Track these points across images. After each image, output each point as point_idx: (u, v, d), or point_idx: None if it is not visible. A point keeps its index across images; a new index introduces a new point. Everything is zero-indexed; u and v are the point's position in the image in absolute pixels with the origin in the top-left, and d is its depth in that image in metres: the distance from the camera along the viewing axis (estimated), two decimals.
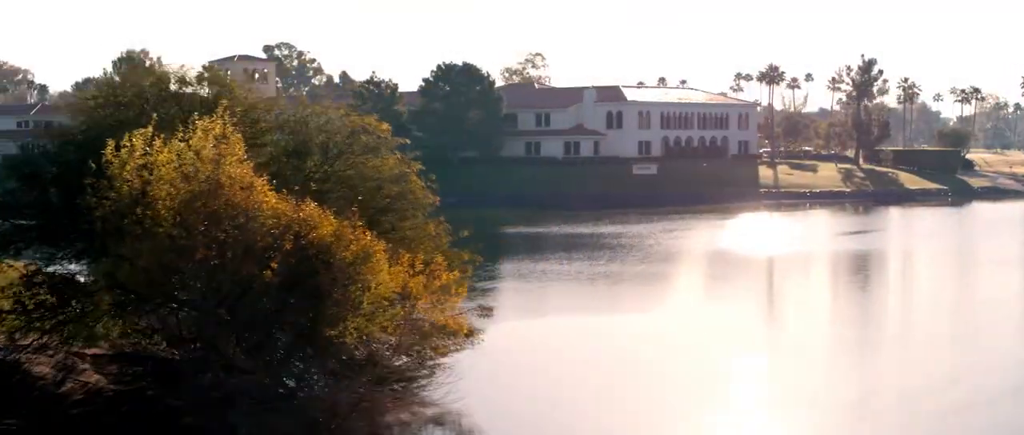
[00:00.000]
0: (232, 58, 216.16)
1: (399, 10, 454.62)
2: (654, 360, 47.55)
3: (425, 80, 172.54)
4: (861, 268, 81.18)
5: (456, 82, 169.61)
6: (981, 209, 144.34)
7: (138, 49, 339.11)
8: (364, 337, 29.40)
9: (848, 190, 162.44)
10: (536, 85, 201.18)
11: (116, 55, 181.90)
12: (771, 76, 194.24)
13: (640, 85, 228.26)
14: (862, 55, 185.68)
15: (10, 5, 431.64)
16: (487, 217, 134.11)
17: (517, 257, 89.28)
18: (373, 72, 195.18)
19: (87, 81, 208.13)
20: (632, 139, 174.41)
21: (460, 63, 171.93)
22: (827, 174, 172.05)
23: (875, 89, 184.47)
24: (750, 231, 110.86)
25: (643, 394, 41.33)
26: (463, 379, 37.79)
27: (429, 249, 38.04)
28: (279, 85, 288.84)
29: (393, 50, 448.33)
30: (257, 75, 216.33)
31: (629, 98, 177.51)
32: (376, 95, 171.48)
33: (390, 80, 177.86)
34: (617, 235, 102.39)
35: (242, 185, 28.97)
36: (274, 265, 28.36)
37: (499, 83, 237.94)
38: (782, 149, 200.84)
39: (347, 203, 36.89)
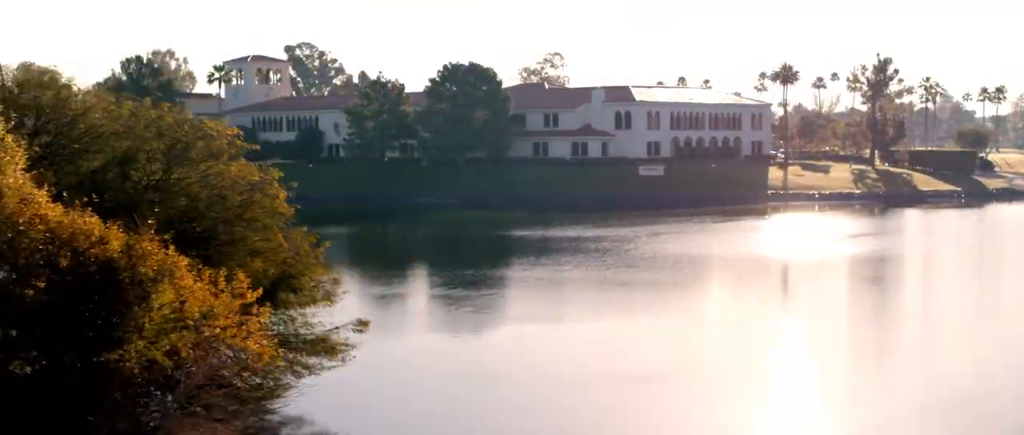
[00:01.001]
0: (246, 58, 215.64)
1: (419, 10, 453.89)
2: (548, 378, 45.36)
3: (431, 80, 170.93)
4: (827, 275, 78.88)
5: (462, 82, 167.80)
6: (991, 211, 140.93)
7: (164, 49, 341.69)
8: (147, 361, 27.63)
9: (858, 192, 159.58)
10: (546, 85, 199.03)
11: (134, 55, 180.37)
12: (785, 76, 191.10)
13: (660, 85, 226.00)
14: (877, 54, 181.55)
15: (38, 5, 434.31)
16: (484, 219, 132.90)
17: (487, 261, 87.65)
18: (379, 72, 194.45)
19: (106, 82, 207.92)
20: (641, 140, 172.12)
21: (466, 63, 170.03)
22: (839, 175, 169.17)
23: (892, 89, 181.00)
24: (740, 234, 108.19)
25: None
26: (290, 402, 36.30)
27: (277, 262, 36.22)
28: (300, 84, 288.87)
29: (413, 50, 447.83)
30: (274, 75, 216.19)
31: (638, 98, 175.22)
32: (382, 96, 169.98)
33: (396, 80, 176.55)
34: (600, 239, 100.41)
35: (21, 197, 27.32)
36: (41, 284, 26.72)
37: (517, 83, 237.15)
38: (797, 150, 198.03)
39: (182, 214, 35.21)
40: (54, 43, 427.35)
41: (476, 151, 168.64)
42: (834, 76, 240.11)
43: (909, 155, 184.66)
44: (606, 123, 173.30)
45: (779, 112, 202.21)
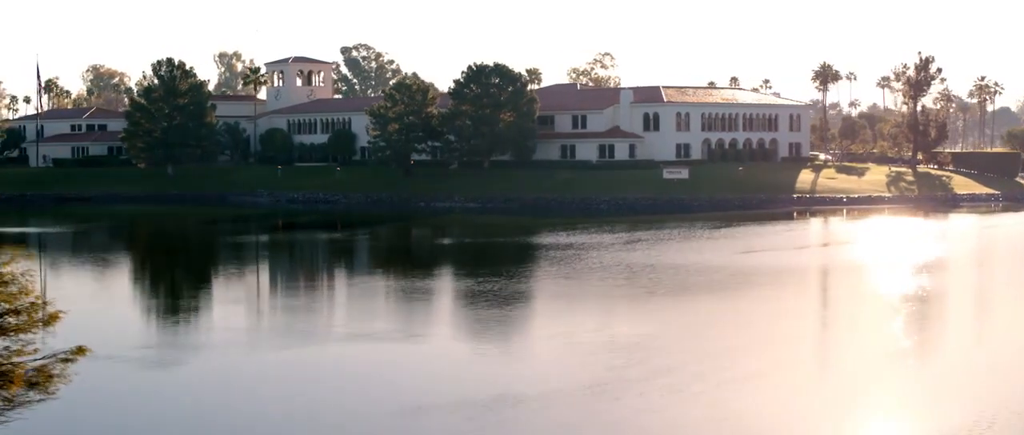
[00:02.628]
0: (287, 60, 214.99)
1: (475, 10, 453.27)
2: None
3: (455, 82, 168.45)
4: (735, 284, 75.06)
5: (487, 83, 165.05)
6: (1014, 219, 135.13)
7: (231, 51, 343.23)
8: None
9: (888, 195, 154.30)
10: (578, 86, 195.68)
11: (165, 57, 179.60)
12: (825, 75, 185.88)
13: (711, 85, 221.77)
14: (919, 53, 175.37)
15: (103, 7, 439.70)
16: (493, 225, 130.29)
17: (444, 269, 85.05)
18: (407, 74, 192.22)
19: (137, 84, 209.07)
20: (669, 142, 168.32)
21: (491, 63, 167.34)
22: (874, 178, 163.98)
23: (934, 89, 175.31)
24: (725, 241, 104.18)
25: None
26: None
27: None
28: (357, 86, 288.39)
29: (468, 50, 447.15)
30: (317, 76, 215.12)
31: (666, 99, 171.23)
32: (407, 97, 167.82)
33: (422, 82, 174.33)
34: (577, 246, 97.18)
35: None
36: None
37: (568, 83, 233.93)
38: (837, 151, 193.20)
39: None
40: (117, 47, 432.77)
41: (502, 154, 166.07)
42: (886, 79, 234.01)
43: (953, 157, 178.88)
44: (634, 125, 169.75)
45: (830, 112, 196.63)
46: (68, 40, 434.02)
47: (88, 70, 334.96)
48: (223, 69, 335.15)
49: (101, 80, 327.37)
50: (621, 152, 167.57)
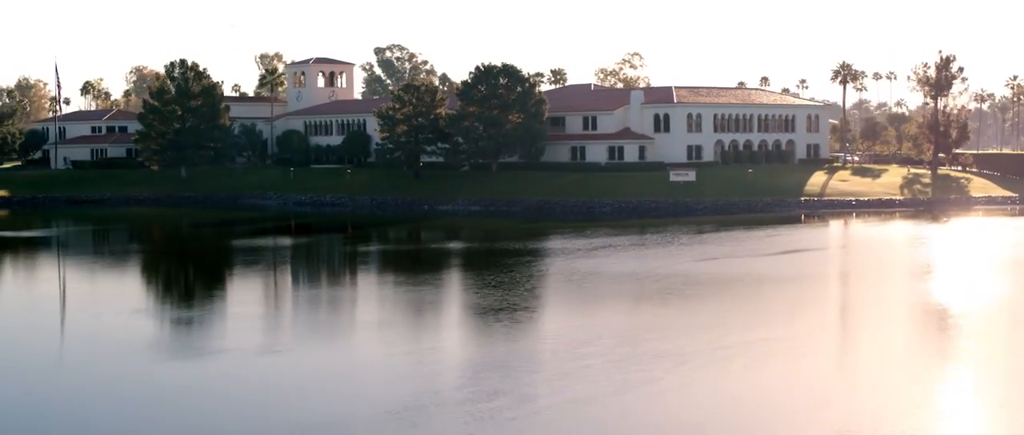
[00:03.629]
0: (308, 61, 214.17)
1: (506, 10, 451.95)
2: None
3: (463, 83, 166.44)
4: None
5: (494, 84, 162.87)
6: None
7: (272, 53, 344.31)
8: None
9: (900, 198, 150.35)
10: (592, 87, 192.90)
11: (178, 59, 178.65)
12: (844, 74, 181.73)
13: (741, 86, 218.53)
14: (939, 51, 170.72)
15: (148, 8, 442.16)
16: (481, 228, 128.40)
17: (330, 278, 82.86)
18: (415, 76, 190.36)
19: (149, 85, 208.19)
20: (680, 143, 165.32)
21: (500, 64, 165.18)
22: (888, 180, 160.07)
23: (955, 88, 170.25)
24: (695, 247, 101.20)
25: None
26: None
27: None
28: (391, 87, 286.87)
29: (502, 51, 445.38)
30: (339, 77, 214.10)
31: (677, 99, 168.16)
32: (415, 98, 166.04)
33: (430, 83, 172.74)
34: (538, 252, 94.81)
35: None
36: None
37: (595, 83, 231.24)
38: (859, 153, 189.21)
39: None
40: (159, 49, 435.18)
41: (510, 156, 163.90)
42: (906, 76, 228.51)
43: (974, 158, 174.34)
44: (645, 126, 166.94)
45: (853, 113, 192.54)
46: (115, 41, 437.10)
47: (131, 71, 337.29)
48: (264, 70, 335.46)
49: (144, 81, 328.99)
50: (630, 154, 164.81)
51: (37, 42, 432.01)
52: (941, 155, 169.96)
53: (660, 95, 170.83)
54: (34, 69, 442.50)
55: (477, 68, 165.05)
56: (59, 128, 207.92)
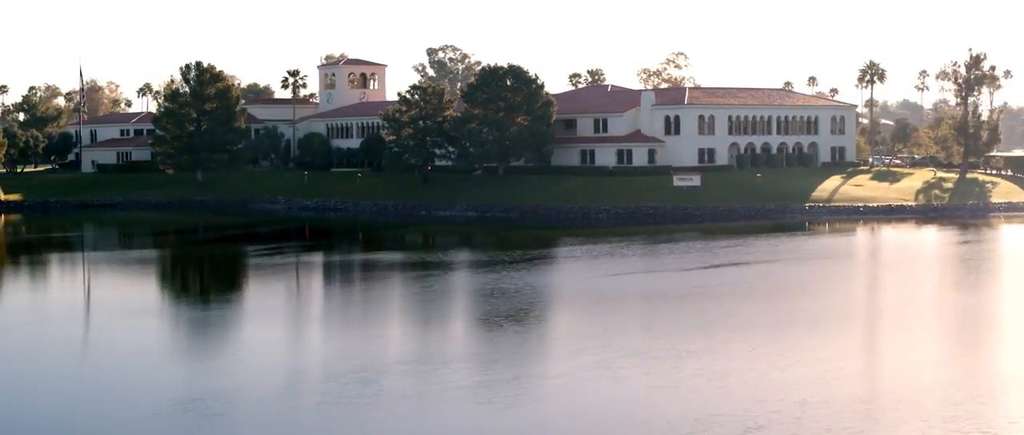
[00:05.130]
0: (338, 62, 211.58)
1: (558, 11, 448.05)
2: None
3: (469, 85, 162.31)
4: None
5: (499, 86, 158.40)
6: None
7: (337, 53, 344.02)
8: None
9: (912, 204, 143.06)
10: (609, 88, 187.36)
11: (194, 61, 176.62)
12: (870, 74, 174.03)
13: (787, 87, 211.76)
14: (969, 50, 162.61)
15: (207, 9, 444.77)
16: (465, 234, 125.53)
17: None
18: (422, 78, 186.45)
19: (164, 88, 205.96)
20: (691, 146, 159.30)
21: (506, 65, 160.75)
22: (907, 185, 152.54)
23: (987, 88, 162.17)
24: (646, 259, 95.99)
25: None
26: None
27: None
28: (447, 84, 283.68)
29: (552, 52, 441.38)
30: (371, 78, 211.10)
31: (689, 100, 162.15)
32: (422, 101, 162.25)
33: (436, 86, 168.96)
34: (480, 263, 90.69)
35: None
36: None
37: (641, 86, 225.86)
38: (898, 156, 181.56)
39: None
40: (215, 51, 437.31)
41: (516, 159, 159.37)
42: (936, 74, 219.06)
43: (1005, 161, 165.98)
44: (656, 128, 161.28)
45: (885, 115, 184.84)
46: (178, 42, 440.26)
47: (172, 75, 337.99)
48: (287, 72, 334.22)
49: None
50: (639, 158, 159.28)
51: (97, 44, 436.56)
52: (971, 159, 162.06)
53: (672, 96, 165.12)
54: (98, 71, 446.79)
55: (482, 69, 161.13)
56: (91, 131, 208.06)
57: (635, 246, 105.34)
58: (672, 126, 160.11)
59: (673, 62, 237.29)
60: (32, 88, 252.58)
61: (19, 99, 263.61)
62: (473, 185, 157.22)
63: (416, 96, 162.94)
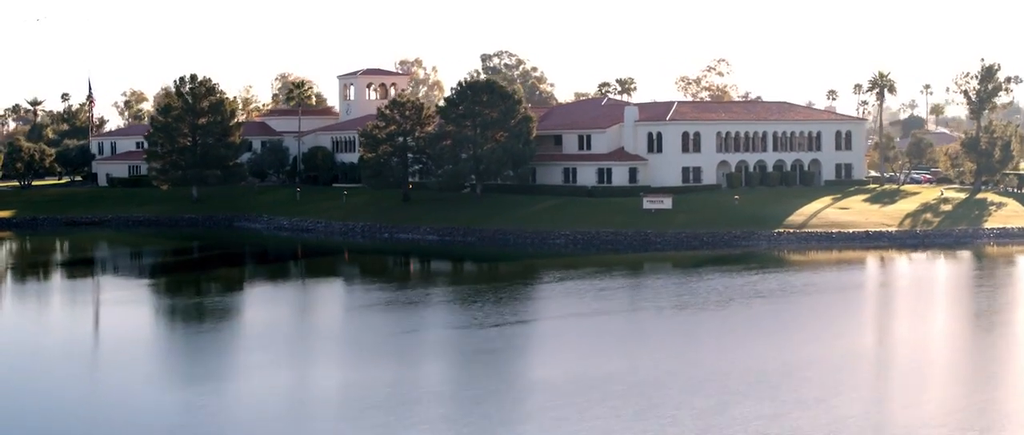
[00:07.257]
0: (356, 72, 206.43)
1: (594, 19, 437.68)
2: None
3: (446, 100, 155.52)
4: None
5: (475, 101, 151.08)
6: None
7: (412, 58, 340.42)
8: None
9: (894, 230, 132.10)
10: (605, 100, 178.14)
11: (189, 73, 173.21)
12: (880, 86, 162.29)
13: (831, 95, 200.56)
14: (981, 60, 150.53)
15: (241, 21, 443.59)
16: (404, 257, 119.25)
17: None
18: (400, 93, 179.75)
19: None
20: (674, 165, 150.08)
21: (483, 79, 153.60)
22: (900, 207, 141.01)
23: (1001, 101, 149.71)
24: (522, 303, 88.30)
25: None
26: None
27: None
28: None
29: (595, 61, 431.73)
30: (392, 89, 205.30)
31: (672, 116, 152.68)
32: (401, 115, 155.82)
33: (416, 99, 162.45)
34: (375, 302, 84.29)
35: None
36: None
37: (678, 95, 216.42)
38: (923, 173, 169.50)
39: None
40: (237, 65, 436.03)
41: (494, 178, 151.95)
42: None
43: (1018, 179, 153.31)
44: (639, 146, 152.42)
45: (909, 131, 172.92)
46: (211, 59, 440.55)
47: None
48: (291, 84, 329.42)
49: None
50: (619, 177, 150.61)
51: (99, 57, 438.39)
52: (984, 178, 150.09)
53: (656, 111, 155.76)
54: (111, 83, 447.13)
55: (459, 84, 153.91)
56: (111, 144, 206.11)
57: (536, 293, 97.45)
58: (655, 143, 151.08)
59: (714, 69, 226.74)
60: (64, 95, 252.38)
61: (60, 109, 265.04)
62: (447, 206, 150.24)
63: (393, 112, 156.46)
